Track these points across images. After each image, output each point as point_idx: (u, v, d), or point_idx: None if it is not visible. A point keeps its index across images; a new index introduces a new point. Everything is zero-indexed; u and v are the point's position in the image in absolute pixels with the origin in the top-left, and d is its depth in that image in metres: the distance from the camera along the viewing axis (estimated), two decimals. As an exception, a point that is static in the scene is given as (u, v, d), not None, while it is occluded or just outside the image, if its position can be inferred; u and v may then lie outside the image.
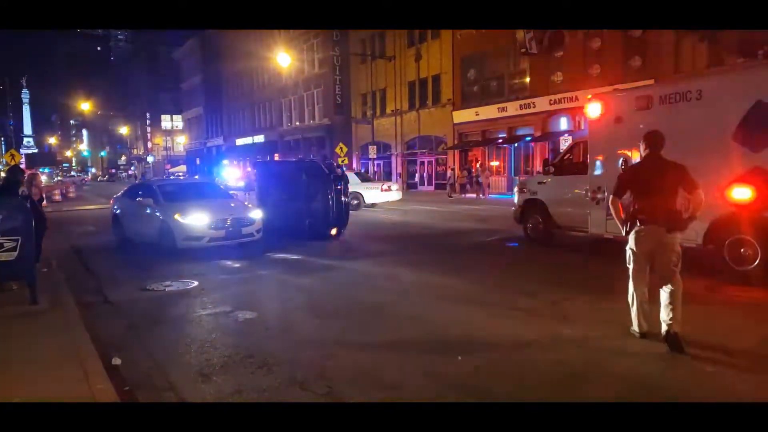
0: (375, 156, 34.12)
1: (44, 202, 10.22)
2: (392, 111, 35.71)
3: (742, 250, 7.10)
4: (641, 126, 8.26)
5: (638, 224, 4.76)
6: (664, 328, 4.68)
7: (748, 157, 6.90)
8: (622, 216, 4.90)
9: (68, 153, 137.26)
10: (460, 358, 4.60)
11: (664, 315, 4.68)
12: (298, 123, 44.99)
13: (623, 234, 4.99)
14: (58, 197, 29.84)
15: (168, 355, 4.83)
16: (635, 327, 4.98)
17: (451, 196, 27.77)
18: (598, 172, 8.94)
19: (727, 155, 7.09)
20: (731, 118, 7.05)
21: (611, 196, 5.07)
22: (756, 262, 6.94)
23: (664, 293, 4.71)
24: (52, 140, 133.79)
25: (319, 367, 4.40)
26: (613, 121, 8.68)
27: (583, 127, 22.11)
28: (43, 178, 42.31)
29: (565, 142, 22.90)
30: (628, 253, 4.94)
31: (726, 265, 7.25)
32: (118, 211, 12.23)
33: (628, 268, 4.97)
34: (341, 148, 27.99)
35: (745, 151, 6.93)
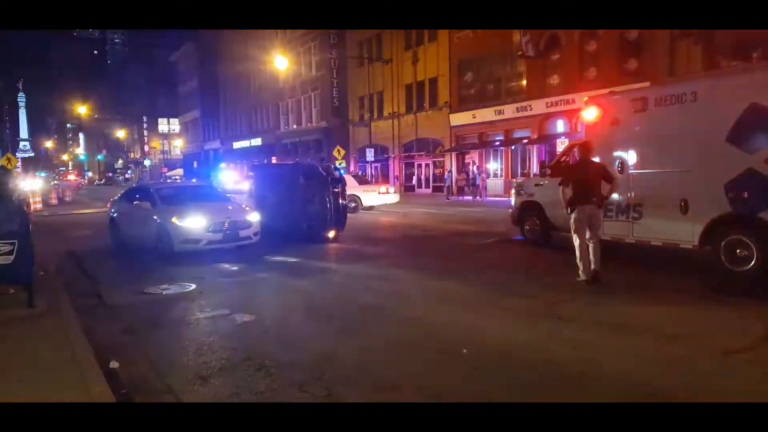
0: (372, 158, 34.13)
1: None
2: (389, 114, 35.75)
3: (738, 251, 7.14)
4: (637, 128, 8.35)
5: (579, 203, 7.10)
6: (591, 267, 7.11)
7: (743, 158, 6.94)
8: (566, 199, 7.24)
9: (65, 157, 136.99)
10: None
11: (591, 259, 7.13)
12: (295, 126, 45.01)
13: (566, 213, 7.33)
14: (54, 201, 29.75)
15: (166, 358, 4.83)
16: (583, 275, 7.11)
17: (448, 199, 27.81)
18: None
19: (721, 157, 7.14)
20: (726, 119, 7.09)
21: (561, 186, 7.37)
22: (752, 263, 6.98)
23: (591, 246, 7.15)
24: (49, 144, 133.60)
25: (317, 369, 4.40)
26: (609, 123, 8.72)
27: (579, 130, 22.18)
28: (39, 182, 42.02)
29: (561, 145, 22.96)
30: (573, 222, 7.21)
31: (722, 265, 7.28)
32: (115, 215, 12.20)
33: (573, 235, 7.25)
34: (339, 150, 28.03)
35: (740, 152, 6.97)
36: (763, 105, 6.74)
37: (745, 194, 6.97)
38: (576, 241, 7.23)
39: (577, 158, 7.57)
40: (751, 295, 6.46)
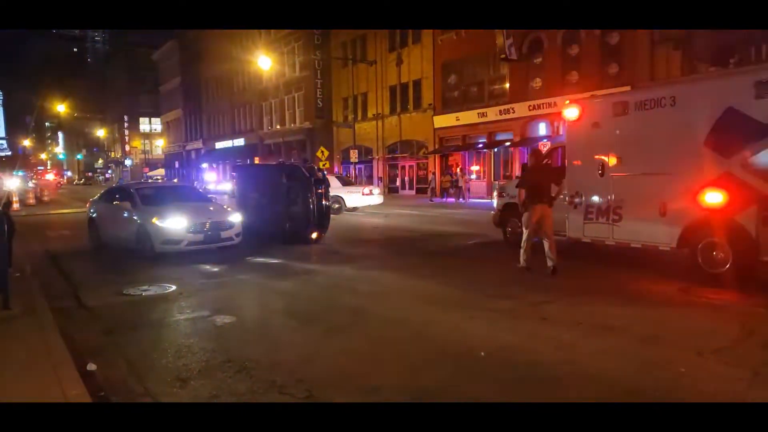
0: (356, 160, 34.11)
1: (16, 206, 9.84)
2: (374, 115, 35.76)
3: (714, 253, 7.27)
4: (618, 132, 8.46)
5: (532, 204, 7.94)
6: (549, 263, 7.92)
7: (720, 162, 7.07)
8: (521, 200, 8.09)
9: (43, 156, 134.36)
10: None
11: (549, 255, 7.94)
12: (278, 126, 44.77)
13: (521, 211, 8.20)
14: (32, 200, 29.16)
15: (144, 360, 4.77)
16: (522, 263, 8.16)
17: (432, 200, 27.91)
18: (575, 176, 9.07)
19: (699, 160, 7.27)
20: (703, 124, 7.22)
21: (518, 188, 8.33)
22: (727, 265, 7.11)
23: (546, 244, 8.01)
24: (27, 143, 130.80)
25: (298, 371, 4.38)
26: (590, 127, 8.83)
27: (561, 133, 22.42)
28: (17, 181, 41.14)
29: (543, 148, 23.16)
30: (525, 219, 8.08)
31: (699, 267, 7.41)
32: (94, 215, 12.00)
33: (524, 230, 8.18)
34: (322, 151, 27.95)
35: (717, 156, 7.10)
36: (739, 110, 6.88)
37: (722, 197, 7.10)
38: (524, 235, 8.17)
39: (530, 164, 8.54)
40: (727, 297, 6.59)
